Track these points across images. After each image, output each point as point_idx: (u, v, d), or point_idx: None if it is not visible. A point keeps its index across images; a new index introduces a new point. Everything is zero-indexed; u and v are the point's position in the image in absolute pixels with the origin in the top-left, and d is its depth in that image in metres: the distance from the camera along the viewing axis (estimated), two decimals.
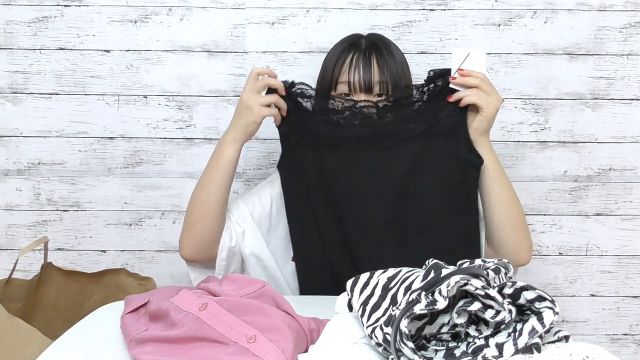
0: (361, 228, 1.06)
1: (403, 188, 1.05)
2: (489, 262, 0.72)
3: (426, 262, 0.77)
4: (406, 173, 1.05)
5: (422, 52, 1.37)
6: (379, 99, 1.06)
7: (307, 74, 1.34)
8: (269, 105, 1.03)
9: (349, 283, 0.80)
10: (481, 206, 1.08)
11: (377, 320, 0.70)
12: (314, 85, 1.20)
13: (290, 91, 1.05)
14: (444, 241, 1.04)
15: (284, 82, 1.05)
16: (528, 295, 0.62)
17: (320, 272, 1.09)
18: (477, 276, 0.63)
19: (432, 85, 1.04)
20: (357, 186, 1.06)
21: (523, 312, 0.64)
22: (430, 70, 1.05)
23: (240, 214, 1.12)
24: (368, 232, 1.06)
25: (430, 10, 1.36)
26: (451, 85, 1.02)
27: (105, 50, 1.37)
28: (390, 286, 0.75)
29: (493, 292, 0.61)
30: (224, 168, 1.06)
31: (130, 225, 1.43)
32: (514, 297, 0.63)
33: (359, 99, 1.06)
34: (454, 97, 1.02)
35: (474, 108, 1.02)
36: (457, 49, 1.04)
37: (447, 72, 1.03)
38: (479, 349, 0.62)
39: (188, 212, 1.09)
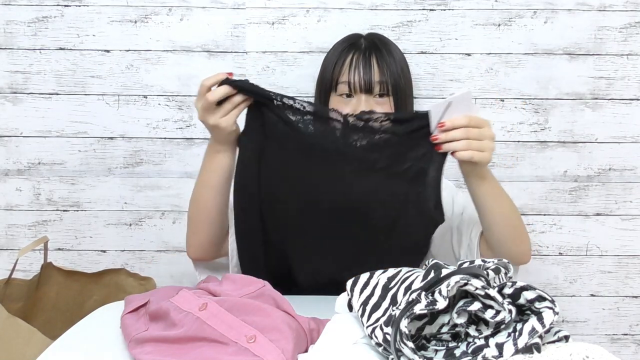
0: (294, 232, 1.01)
1: (344, 212, 0.97)
2: (489, 262, 0.72)
3: (426, 262, 0.77)
4: (355, 200, 0.96)
5: (422, 52, 1.37)
6: (350, 113, 0.97)
7: (307, 73, 1.35)
8: (229, 110, 0.94)
9: (349, 283, 0.80)
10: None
11: (377, 320, 0.70)
12: (313, 85, 1.20)
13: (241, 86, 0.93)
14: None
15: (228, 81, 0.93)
16: (528, 295, 0.62)
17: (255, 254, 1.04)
18: (477, 276, 0.63)
19: (413, 121, 0.93)
20: (301, 193, 0.98)
21: (523, 312, 0.64)
22: (416, 112, 0.96)
23: None
24: (299, 237, 1.00)
25: (430, 10, 1.36)
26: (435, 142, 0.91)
27: (105, 50, 1.37)
28: (390, 286, 0.75)
29: (493, 292, 0.61)
30: (221, 176, 1.02)
31: (130, 225, 1.43)
32: (514, 297, 0.63)
33: (338, 112, 0.97)
34: (444, 148, 0.91)
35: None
36: (433, 104, 0.91)
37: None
38: (479, 349, 0.62)
39: (190, 215, 1.08)
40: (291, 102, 0.94)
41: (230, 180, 1.03)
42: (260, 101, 0.95)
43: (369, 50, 1.11)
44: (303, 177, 0.97)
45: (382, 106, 1.09)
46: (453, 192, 1.16)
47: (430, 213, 0.96)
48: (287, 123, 0.94)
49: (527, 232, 1.06)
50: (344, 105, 1.10)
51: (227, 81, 0.92)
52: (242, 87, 0.93)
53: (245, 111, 0.96)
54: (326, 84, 1.13)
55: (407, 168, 0.94)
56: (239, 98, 0.94)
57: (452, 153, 0.91)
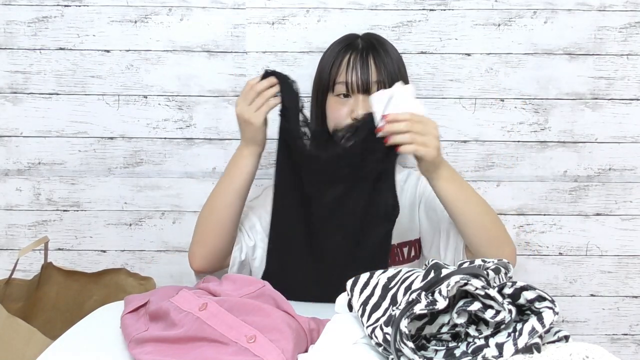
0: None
1: (322, 221, 1.02)
2: (489, 262, 0.72)
3: (426, 262, 0.77)
4: (327, 214, 1.00)
5: (422, 52, 1.37)
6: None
7: (307, 73, 1.34)
8: (260, 104, 1.01)
9: (349, 283, 0.80)
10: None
11: (377, 320, 0.70)
12: (309, 84, 1.20)
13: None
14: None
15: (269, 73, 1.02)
16: (528, 295, 0.62)
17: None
18: (477, 276, 0.63)
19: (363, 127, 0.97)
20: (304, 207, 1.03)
21: (523, 312, 0.64)
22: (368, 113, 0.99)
23: (251, 225, 1.12)
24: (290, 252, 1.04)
25: (430, 10, 1.36)
26: (379, 135, 0.94)
27: (105, 50, 1.37)
28: (390, 286, 0.75)
29: (493, 292, 0.61)
30: (242, 180, 1.04)
31: (130, 225, 1.43)
32: (514, 297, 0.63)
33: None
34: (390, 141, 0.93)
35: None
36: (376, 94, 0.96)
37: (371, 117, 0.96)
38: (479, 349, 0.62)
39: (200, 223, 1.07)
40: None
41: (250, 186, 1.06)
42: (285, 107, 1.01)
43: (366, 50, 1.11)
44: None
45: None
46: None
47: (389, 212, 0.98)
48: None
49: (507, 235, 1.04)
50: (342, 106, 1.10)
51: (270, 73, 1.01)
52: (282, 81, 1.01)
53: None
54: (323, 84, 1.13)
55: (368, 172, 0.97)
56: (270, 92, 1.01)
57: (396, 148, 0.93)
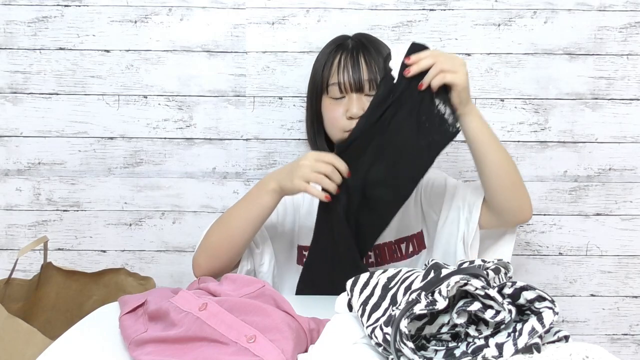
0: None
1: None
2: (489, 262, 0.72)
3: (426, 262, 0.77)
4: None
5: None
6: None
7: (307, 73, 1.34)
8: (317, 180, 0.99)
9: (349, 283, 0.80)
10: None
11: (377, 320, 0.70)
12: (305, 84, 1.21)
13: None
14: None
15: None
16: (528, 295, 0.62)
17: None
18: (477, 276, 0.63)
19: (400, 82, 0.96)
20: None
21: (523, 312, 0.64)
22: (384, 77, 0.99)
23: (259, 233, 1.12)
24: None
25: (430, 10, 1.36)
26: (409, 75, 0.94)
27: (105, 50, 1.37)
28: (390, 286, 0.75)
29: (493, 292, 0.61)
30: (260, 213, 1.03)
31: (130, 225, 1.43)
32: (514, 297, 0.63)
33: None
34: (424, 84, 0.94)
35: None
36: (393, 47, 0.97)
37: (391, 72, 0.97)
38: (479, 349, 0.62)
39: (211, 237, 1.07)
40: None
41: (265, 221, 1.06)
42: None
43: (356, 49, 1.12)
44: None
45: None
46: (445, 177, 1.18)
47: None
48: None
49: (526, 189, 1.05)
50: (336, 106, 1.11)
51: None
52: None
53: None
54: (317, 87, 1.15)
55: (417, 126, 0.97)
56: (335, 176, 0.98)
57: (429, 88, 0.93)
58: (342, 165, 0.98)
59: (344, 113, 1.09)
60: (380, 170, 1.00)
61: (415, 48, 0.95)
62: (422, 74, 0.94)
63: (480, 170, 1.03)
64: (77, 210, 1.42)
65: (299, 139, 1.40)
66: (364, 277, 0.79)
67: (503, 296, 0.63)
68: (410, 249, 1.15)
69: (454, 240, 1.08)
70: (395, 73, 0.95)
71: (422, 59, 0.93)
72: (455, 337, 0.66)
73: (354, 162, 0.99)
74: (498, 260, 0.74)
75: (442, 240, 1.10)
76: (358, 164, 1.00)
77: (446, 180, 1.16)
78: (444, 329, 0.65)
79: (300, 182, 0.97)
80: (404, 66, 0.94)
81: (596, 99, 1.40)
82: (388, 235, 1.14)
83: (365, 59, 1.10)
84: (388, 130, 0.98)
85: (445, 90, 0.95)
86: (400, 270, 0.78)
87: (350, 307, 0.80)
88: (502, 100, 1.39)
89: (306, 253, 1.16)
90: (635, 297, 1.47)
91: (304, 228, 1.17)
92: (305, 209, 1.18)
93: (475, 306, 0.62)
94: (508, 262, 0.75)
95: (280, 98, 1.38)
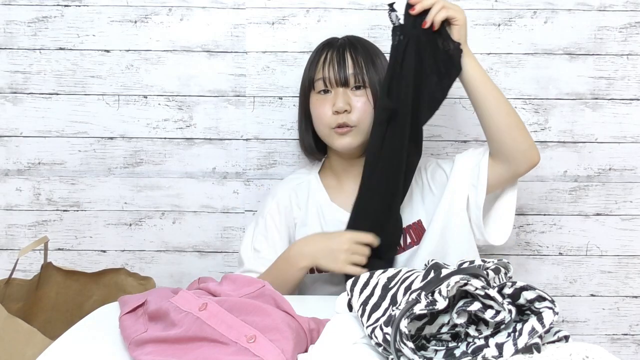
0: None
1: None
2: (489, 262, 0.72)
3: (426, 262, 0.77)
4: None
5: None
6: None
7: None
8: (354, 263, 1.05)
9: (349, 283, 0.80)
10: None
11: (377, 320, 0.70)
12: (296, 85, 1.22)
13: None
14: None
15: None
16: (528, 295, 0.62)
17: None
18: (476, 276, 0.63)
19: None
20: None
21: (523, 312, 0.64)
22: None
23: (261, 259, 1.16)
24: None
25: None
26: (414, 12, 1.00)
27: (105, 50, 1.37)
28: (390, 286, 0.75)
29: (493, 292, 0.61)
30: (293, 288, 1.10)
31: (130, 225, 1.43)
32: (514, 297, 0.63)
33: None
34: (428, 21, 1.00)
35: (446, 23, 1.03)
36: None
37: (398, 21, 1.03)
38: (479, 349, 0.62)
39: None
40: None
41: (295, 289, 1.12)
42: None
43: (343, 46, 1.14)
44: None
45: (359, 98, 1.11)
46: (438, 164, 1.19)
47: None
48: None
49: (526, 128, 1.07)
50: (323, 102, 1.12)
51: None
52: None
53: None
54: (305, 84, 1.17)
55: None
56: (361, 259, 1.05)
57: (433, 27, 1.00)
58: (376, 241, 1.05)
59: (331, 107, 1.11)
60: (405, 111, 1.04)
61: None
62: (425, 14, 1.00)
63: (483, 112, 1.05)
64: (77, 210, 1.42)
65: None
66: (364, 277, 0.79)
67: (503, 296, 0.63)
68: (409, 240, 1.14)
69: (457, 209, 1.09)
70: (400, 15, 1.01)
71: (426, 6, 0.99)
72: (455, 337, 0.66)
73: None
74: (498, 260, 0.75)
75: (442, 213, 1.10)
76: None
77: (438, 161, 1.18)
78: (444, 329, 0.65)
79: (344, 265, 1.04)
80: (408, 6, 1.00)
81: (596, 99, 1.40)
82: None
83: (351, 55, 1.12)
84: (403, 74, 1.02)
85: (445, 29, 1.03)
86: (400, 270, 0.78)
87: (350, 307, 0.80)
88: None
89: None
90: (635, 297, 1.47)
91: (299, 234, 1.19)
92: (300, 221, 1.20)
93: (475, 306, 0.62)
94: (508, 262, 0.75)
95: (280, 98, 1.38)
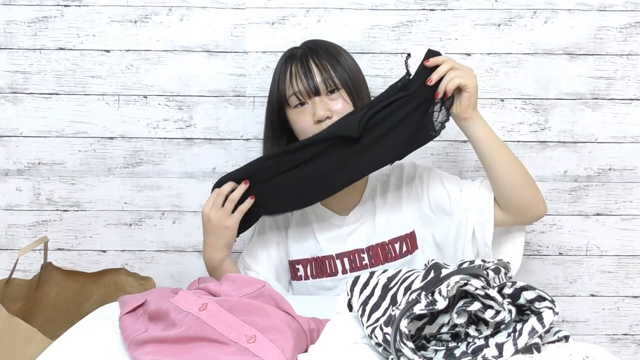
0: None
1: None
2: (489, 262, 0.72)
3: (426, 262, 0.77)
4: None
5: None
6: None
7: None
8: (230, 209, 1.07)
9: (349, 283, 0.80)
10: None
11: (377, 320, 0.70)
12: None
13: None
14: None
15: None
16: (528, 295, 0.62)
17: None
18: (477, 276, 0.63)
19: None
20: None
21: (523, 312, 0.64)
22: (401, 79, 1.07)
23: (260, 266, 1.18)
24: None
25: (430, 10, 1.36)
26: (431, 84, 1.02)
27: (105, 50, 1.37)
28: (390, 286, 0.75)
29: (493, 292, 0.61)
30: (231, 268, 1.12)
31: (130, 225, 1.43)
32: (514, 297, 0.63)
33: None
34: (440, 92, 1.02)
35: (456, 90, 1.03)
36: (412, 49, 1.06)
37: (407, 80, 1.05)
38: (479, 349, 0.62)
39: None
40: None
41: None
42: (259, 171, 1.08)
43: (305, 56, 1.13)
44: None
45: (336, 101, 1.10)
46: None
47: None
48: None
49: (535, 183, 1.09)
50: (302, 115, 1.12)
51: (226, 178, 1.08)
52: (238, 175, 1.08)
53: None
54: (275, 101, 1.15)
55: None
56: (236, 194, 1.06)
57: (445, 95, 1.02)
58: (228, 186, 1.06)
59: (312, 119, 1.10)
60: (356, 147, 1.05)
61: (430, 54, 1.04)
62: (432, 70, 1.02)
63: (492, 172, 1.06)
64: (77, 210, 1.42)
65: None
66: (363, 277, 0.79)
67: (503, 296, 0.63)
68: (404, 248, 1.15)
69: (462, 242, 1.09)
70: (412, 70, 1.04)
71: (439, 63, 1.01)
72: (455, 337, 0.66)
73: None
74: (498, 260, 0.75)
75: (450, 241, 1.11)
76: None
77: (442, 179, 1.16)
78: (444, 329, 0.65)
79: (233, 218, 1.06)
80: (422, 67, 1.02)
81: (596, 99, 1.40)
82: (381, 235, 1.14)
83: (315, 62, 1.11)
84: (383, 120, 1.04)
85: (450, 97, 1.04)
86: (400, 270, 0.78)
87: (350, 307, 0.80)
88: (502, 100, 1.39)
89: (298, 267, 1.18)
90: (635, 297, 1.47)
91: (291, 243, 1.20)
92: (293, 225, 1.21)
93: (475, 306, 0.62)
94: (508, 262, 0.75)
95: None
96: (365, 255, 1.15)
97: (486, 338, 0.63)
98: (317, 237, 1.17)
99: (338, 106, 1.10)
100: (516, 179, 1.05)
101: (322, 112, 1.08)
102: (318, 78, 1.10)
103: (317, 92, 1.10)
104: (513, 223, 1.10)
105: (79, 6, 1.35)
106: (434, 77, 1.01)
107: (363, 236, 1.15)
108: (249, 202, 1.07)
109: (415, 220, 1.16)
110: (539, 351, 0.61)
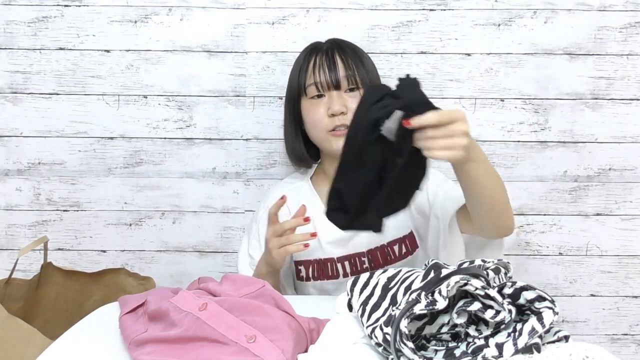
0: None
1: None
2: (489, 262, 0.72)
3: (426, 262, 0.77)
4: None
5: (422, 52, 1.37)
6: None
7: None
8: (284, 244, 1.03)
9: (349, 283, 0.80)
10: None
11: (377, 320, 0.70)
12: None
13: None
14: None
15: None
16: (528, 295, 0.62)
17: None
18: (477, 276, 0.63)
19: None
20: None
21: (523, 312, 0.64)
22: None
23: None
24: None
25: (430, 10, 1.36)
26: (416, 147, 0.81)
27: (105, 50, 1.37)
28: (390, 286, 0.75)
29: (493, 292, 0.61)
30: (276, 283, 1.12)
31: (130, 225, 1.43)
32: (514, 297, 0.63)
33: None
34: (425, 155, 0.81)
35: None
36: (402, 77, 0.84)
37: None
38: (479, 349, 0.62)
39: None
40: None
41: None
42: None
43: (331, 49, 1.14)
44: None
45: (354, 99, 1.09)
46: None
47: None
48: None
49: (510, 205, 0.96)
50: (317, 106, 1.11)
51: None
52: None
53: None
54: (295, 91, 1.16)
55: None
56: (293, 236, 1.02)
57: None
58: (293, 222, 1.03)
59: (326, 112, 1.10)
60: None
61: (405, 84, 0.83)
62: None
63: (471, 203, 0.95)
64: (77, 210, 1.42)
65: None
66: (363, 277, 0.79)
67: (503, 296, 0.63)
68: (404, 250, 1.14)
69: (435, 248, 1.08)
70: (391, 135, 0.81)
71: (423, 124, 0.79)
72: (455, 337, 0.66)
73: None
74: (498, 260, 0.74)
75: (429, 247, 1.11)
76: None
77: (432, 183, 1.10)
78: (444, 329, 0.65)
79: (273, 251, 1.03)
80: (402, 129, 0.80)
81: (596, 99, 1.40)
82: (380, 238, 1.14)
83: (340, 57, 1.12)
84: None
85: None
86: (400, 270, 0.78)
87: (350, 307, 0.80)
88: (502, 100, 1.39)
89: (301, 267, 1.17)
90: (635, 297, 1.47)
91: None
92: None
93: (475, 306, 0.62)
94: (508, 262, 0.75)
95: (281, 98, 1.38)
96: (365, 259, 1.15)
97: (486, 338, 0.63)
98: (320, 240, 1.17)
99: (354, 104, 1.08)
100: (492, 210, 0.94)
101: (337, 107, 1.09)
102: (342, 72, 1.10)
103: (337, 86, 1.10)
104: (478, 235, 1.04)
105: (79, 6, 1.35)
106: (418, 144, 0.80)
107: (364, 240, 1.15)
108: (297, 247, 1.01)
109: (410, 223, 1.16)
110: (539, 351, 0.61)
